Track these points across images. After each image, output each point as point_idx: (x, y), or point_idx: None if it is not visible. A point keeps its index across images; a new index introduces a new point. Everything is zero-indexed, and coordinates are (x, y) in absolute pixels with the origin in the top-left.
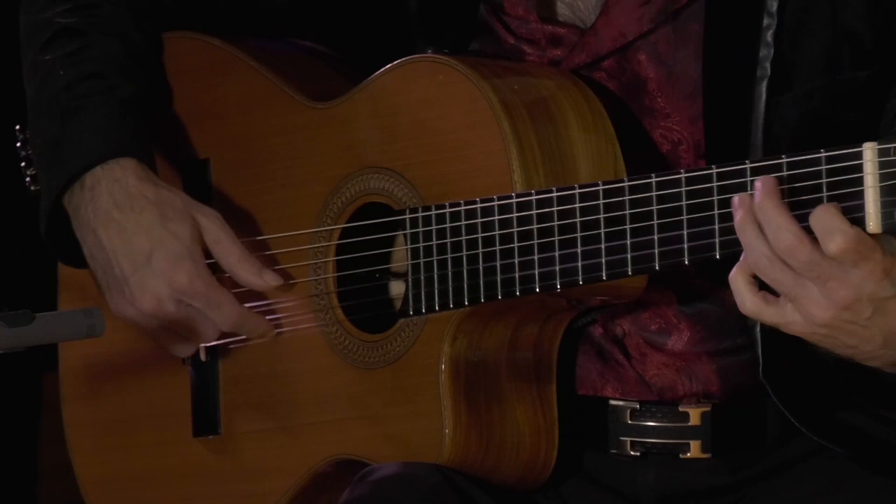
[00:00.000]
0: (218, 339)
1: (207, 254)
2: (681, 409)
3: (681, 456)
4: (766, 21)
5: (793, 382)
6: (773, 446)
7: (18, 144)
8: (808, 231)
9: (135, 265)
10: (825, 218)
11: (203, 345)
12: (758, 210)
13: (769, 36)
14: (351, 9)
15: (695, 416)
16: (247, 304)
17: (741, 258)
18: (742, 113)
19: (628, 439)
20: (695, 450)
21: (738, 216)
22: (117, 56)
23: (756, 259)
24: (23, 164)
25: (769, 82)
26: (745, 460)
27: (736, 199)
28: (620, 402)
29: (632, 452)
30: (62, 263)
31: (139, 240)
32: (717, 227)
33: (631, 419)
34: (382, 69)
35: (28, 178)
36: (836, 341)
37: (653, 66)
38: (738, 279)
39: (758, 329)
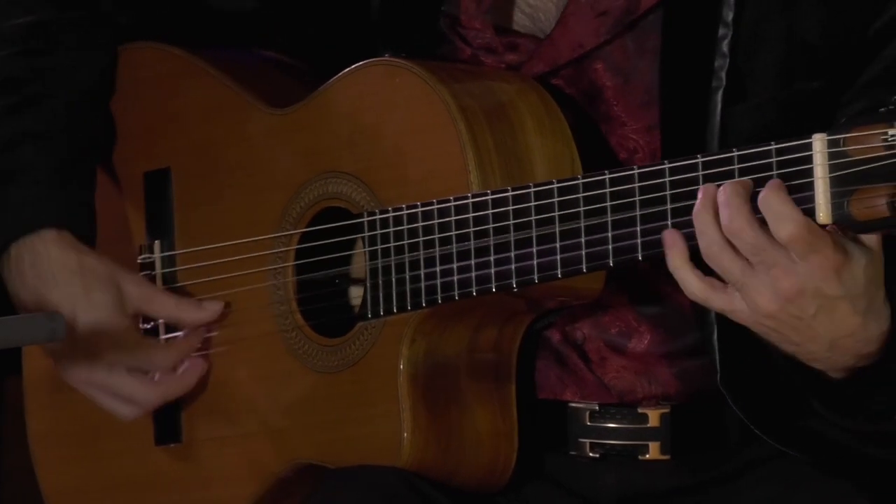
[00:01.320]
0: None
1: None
2: (640, 410)
3: (640, 457)
4: (721, 31)
5: (751, 390)
6: (733, 448)
7: None
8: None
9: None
10: (776, 203)
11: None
12: (719, 193)
13: (724, 46)
14: (314, 18)
15: (654, 417)
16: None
17: (674, 248)
18: (698, 122)
19: (587, 441)
20: (654, 451)
21: (698, 203)
22: (62, 110)
23: (707, 244)
24: None
25: (724, 92)
26: (705, 462)
27: (701, 188)
28: (580, 405)
29: (591, 454)
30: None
31: (64, 312)
32: (669, 221)
33: (590, 421)
34: (339, 74)
35: None
36: (780, 336)
37: (609, 75)
38: (680, 267)
39: (715, 336)
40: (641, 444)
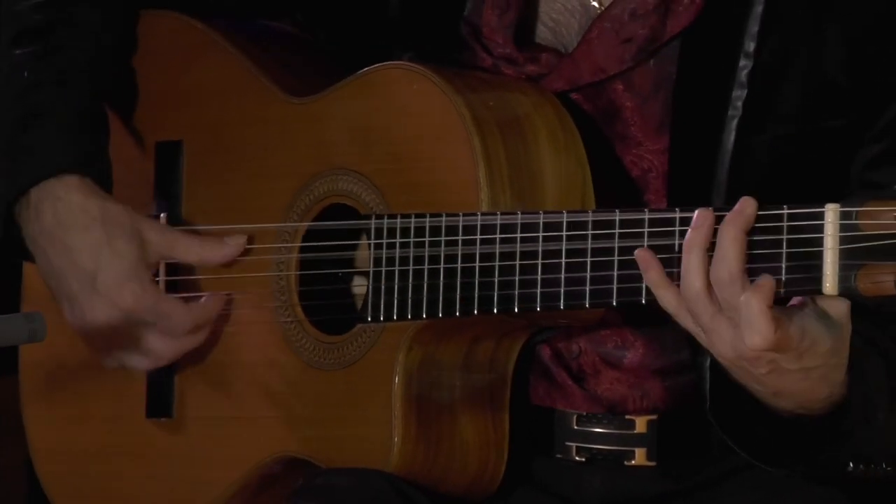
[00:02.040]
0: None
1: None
2: (627, 417)
3: (626, 463)
4: (742, 62)
5: (739, 419)
6: (717, 455)
7: None
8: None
9: (82, 285)
10: (754, 311)
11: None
12: (720, 229)
13: (744, 76)
14: (335, 4)
15: (640, 424)
16: (209, 293)
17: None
18: (709, 149)
19: (574, 444)
20: (640, 457)
21: (690, 235)
22: (83, 62)
23: (687, 286)
24: None
25: (740, 122)
26: (690, 468)
27: (697, 213)
28: (567, 410)
29: (577, 458)
30: (26, 261)
31: (84, 259)
32: (675, 270)
33: (577, 425)
34: (360, 72)
35: None
36: (731, 370)
37: (629, 95)
38: (659, 284)
39: (707, 364)
40: (628, 449)
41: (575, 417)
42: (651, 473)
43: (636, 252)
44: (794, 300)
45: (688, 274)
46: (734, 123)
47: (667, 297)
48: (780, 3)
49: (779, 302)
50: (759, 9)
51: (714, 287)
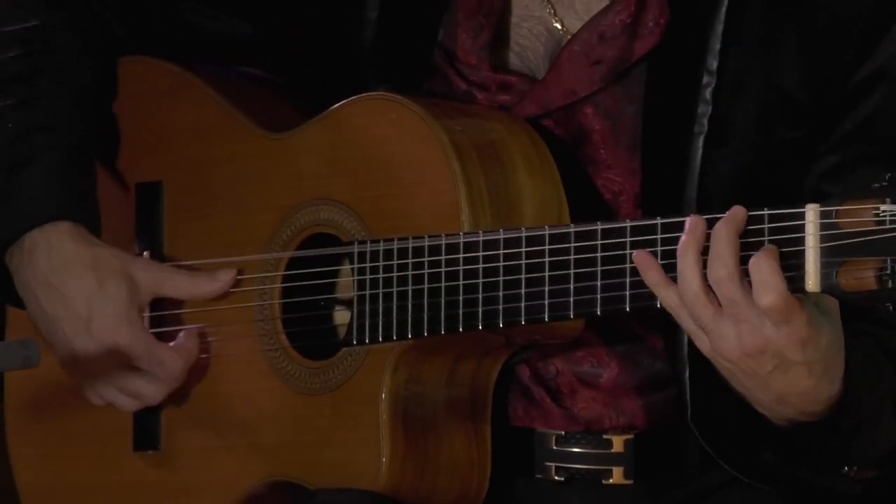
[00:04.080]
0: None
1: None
2: (605, 436)
3: (604, 482)
4: (705, 79)
5: (719, 426)
6: (694, 473)
7: None
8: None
9: (76, 330)
10: (766, 271)
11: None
12: (713, 232)
13: (708, 93)
14: (305, 41)
15: (618, 443)
16: (193, 326)
17: (650, 268)
18: (678, 167)
19: (553, 465)
20: (617, 476)
21: (684, 239)
22: (66, 105)
23: (685, 288)
24: None
25: (706, 138)
26: (667, 486)
27: (690, 219)
28: (547, 430)
29: (556, 477)
30: (11, 306)
31: (78, 305)
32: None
33: (556, 445)
34: (337, 104)
35: None
36: (734, 377)
37: (598, 119)
38: (659, 283)
39: (686, 374)
40: (605, 468)
41: (554, 438)
42: (629, 492)
43: (634, 254)
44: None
45: (684, 275)
46: (700, 140)
47: (669, 297)
48: (740, 22)
49: None
50: (719, 28)
51: (713, 286)
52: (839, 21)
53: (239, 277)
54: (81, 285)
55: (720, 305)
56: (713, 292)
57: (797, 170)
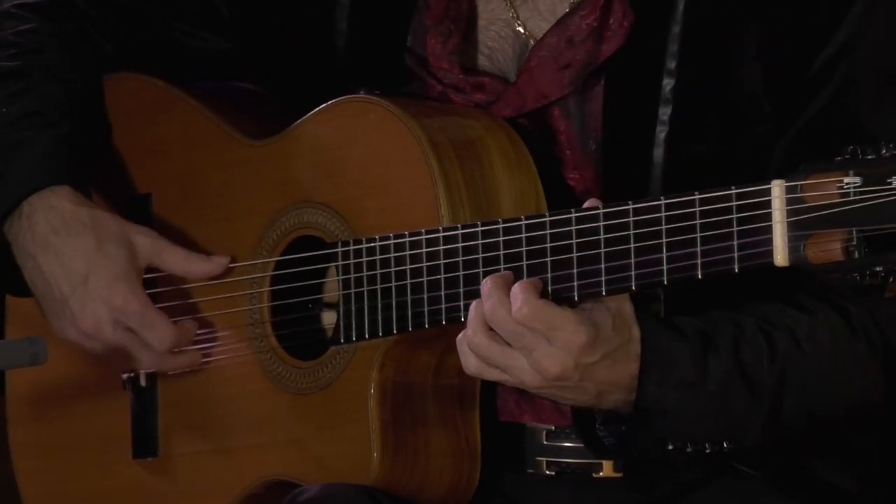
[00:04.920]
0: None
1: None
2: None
3: (594, 475)
4: (665, 79)
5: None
6: (682, 466)
7: None
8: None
9: (73, 287)
10: (515, 288)
11: (142, 371)
12: (482, 286)
13: (668, 92)
14: (281, 55)
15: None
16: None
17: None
18: (640, 165)
19: (544, 459)
20: (607, 469)
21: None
22: (58, 98)
23: (472, 331)
24: None
25: (668, 136)
26: (656, 479)
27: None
28: (538, 425)
29: (547, 472)
30: (7, 293)
31: (76, 263)
32: (633, 260)
33: (547, 440)
34: (317, 108)
35: None
36: (554, 397)
37: (563, 120)
38: (461, 343)
39: None
40: (595, 462)
41: (544, 433)
42: (618, 485)
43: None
44: None
45: (469, 324)
46: (662, 137)
47: (471, 361)
48: (697, 22)
49: (734, 277)
50: (676, 29)
51: (495, 328)
52: (801, 4)
53: (228, 280)
54: (80, 243)
55: (507, 344)
56: (496, 333)
57: (761, 167)
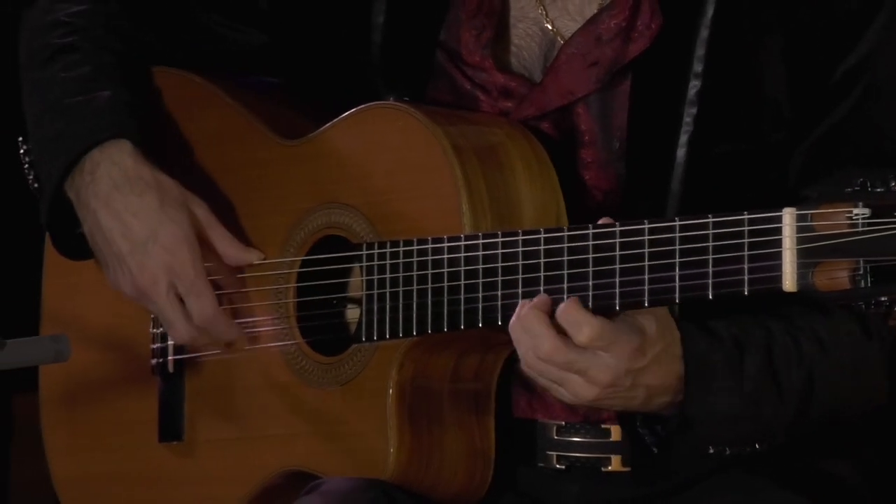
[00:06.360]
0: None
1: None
2: (603, 426)
3: (603, 469)
4: (692, 82)
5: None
6: (689, 461)
7: (21, 152)
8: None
9: (133, 245)
10: (571, 313)
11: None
12: (522, 319)
13: (693, 94)
14: (318, 48)
15: (615, 432)
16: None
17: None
18: (663, 165)
19: (555, 454)
20: (616, 463)
21: (513, 318)
22: (113, 66)
23: (524, 353)
24: (26, 167)
25: (692, 137)
26: (664, 473)
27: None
28: (548, 421)
29: (558, 466)
30: (60, 254)
31: (137, 222)
32: (646, 276)
33: (557, 435)
34: (347, 113)
35: (31, 178)
36: (605, 404)
37: (587, 118)
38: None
39: None
40: (604, 456)
41: (555, 428)
42: (627, 478)
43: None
44: None
45: (519, 345)
46: (686, 139)
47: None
48: (725, 29)
49: (742, 300)
50: (704, 34)
51: (547, 363)
52: (826, 14)
53: (257, 274)
54: (144, 203)
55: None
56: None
57: (781, 171)
